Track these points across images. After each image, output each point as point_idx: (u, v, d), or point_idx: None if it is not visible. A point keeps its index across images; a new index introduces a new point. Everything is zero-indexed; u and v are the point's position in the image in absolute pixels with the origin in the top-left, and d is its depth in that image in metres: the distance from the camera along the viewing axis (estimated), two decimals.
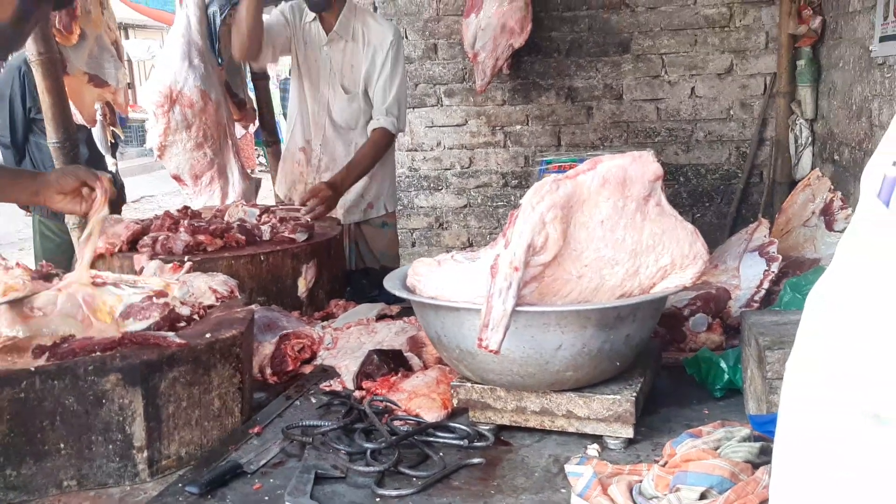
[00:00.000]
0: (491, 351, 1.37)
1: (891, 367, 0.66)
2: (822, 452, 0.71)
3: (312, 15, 3.06)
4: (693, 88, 4.26)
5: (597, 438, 1.54)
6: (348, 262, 3.20)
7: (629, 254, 1.48)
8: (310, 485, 1.36)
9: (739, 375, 1.70)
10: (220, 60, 3.56)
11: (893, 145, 0.72)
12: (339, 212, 3.16)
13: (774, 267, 2.14)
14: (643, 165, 1.49)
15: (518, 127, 4.54)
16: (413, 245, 4.84)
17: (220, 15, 3.59)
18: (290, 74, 3.16)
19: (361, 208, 3.23)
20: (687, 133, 4.32)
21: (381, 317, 2.31)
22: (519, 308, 1.40)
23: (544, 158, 2.84)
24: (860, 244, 0.72)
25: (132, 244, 2.34)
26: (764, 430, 1.30)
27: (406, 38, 4.56)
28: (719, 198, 4.37)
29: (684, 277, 1.52)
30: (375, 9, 4.56)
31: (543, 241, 1.41)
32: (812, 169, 3.61)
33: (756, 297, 2.08)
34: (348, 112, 3.10)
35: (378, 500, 1.35)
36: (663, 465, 1.27)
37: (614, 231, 1.47)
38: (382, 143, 3.04)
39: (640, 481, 1.29)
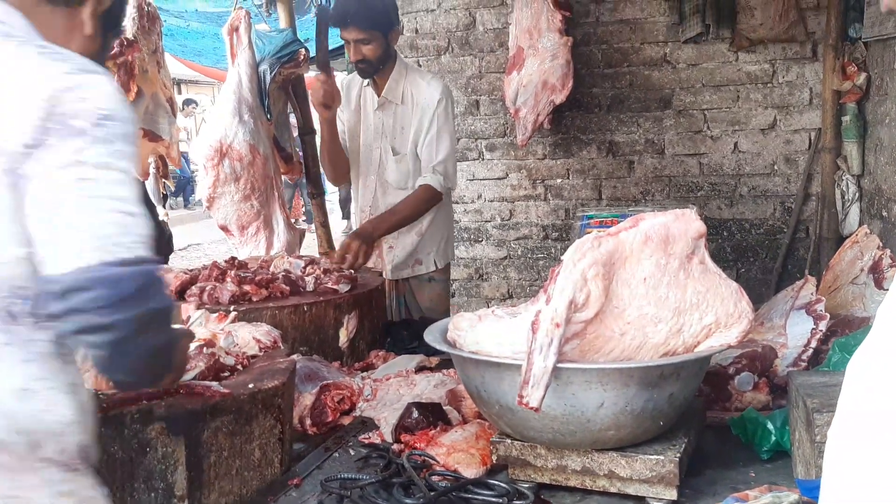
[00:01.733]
0: (531, 408, 1.37)
1: None
2: None
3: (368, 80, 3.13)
4: (736, 143, 4.25)
5: (640, 500, 1.50)
6: (394, 315, 3.20)
7: (672, 312, 1.47)
8: None
9: (787, 437, 1.65)
10: (268, 116, 3.67)
11: None
12: (387, 268, 3.18)
13: (822, 325, 2.09)
14: (686, 223, 1.49)
15: (559, 181, 4.56)
16: (453, 296, 4.85)
17: (270, 73, 3.71)
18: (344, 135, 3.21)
19: (409, 264, 3.22)
20: (730, 188, 4.29)
21: (420, 368, 2.31)
22: (560, 365, 1.40)
23: (585, 213, 2.84)
24: None
25: (180, 293, 2.39)
26: (812, 495, 1.26)
27: (451, 97, 4.66)
28: (764, 253, 4.31)
29: (729, 336, 1.50)
30: (420, 66, 4.68)
31: (585, 298, 1.41)
32: (860, 225, 3.54)
33: (803, 357, 2.03)
34: (397, 173, 3.13)
35: None
36: None
37: (657, 289, 1.46)
38: (424, 198, 3.05)
39: None
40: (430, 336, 1.66)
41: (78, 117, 1.00)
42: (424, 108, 3.05)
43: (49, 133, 0.99)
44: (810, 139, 4.15)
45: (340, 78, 3.29)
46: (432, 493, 1.50)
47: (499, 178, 4.67)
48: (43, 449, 1.04)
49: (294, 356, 2.17)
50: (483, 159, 4.68)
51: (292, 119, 4.28)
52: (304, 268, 2.64)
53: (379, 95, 3.09)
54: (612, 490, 1.52)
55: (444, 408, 1.95)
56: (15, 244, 1.00)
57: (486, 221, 4.75)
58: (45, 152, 0.99)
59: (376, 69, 3.03)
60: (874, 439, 0.69)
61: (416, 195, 3.05)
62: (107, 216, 1.01)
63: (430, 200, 3.07)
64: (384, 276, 3.18)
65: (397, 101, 3.08)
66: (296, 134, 4.24)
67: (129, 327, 1.01)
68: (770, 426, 1.68)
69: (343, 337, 2.47)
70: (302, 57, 3.76)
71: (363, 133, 3.16)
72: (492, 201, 4.71)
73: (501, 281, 4.77)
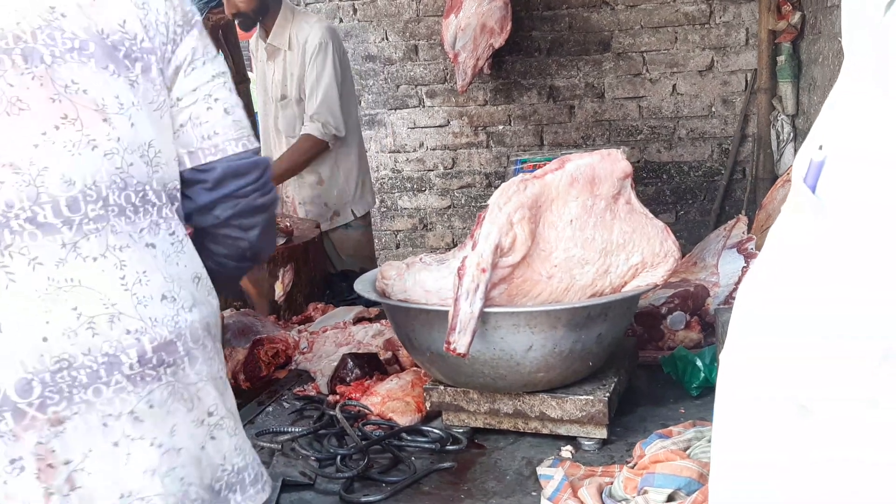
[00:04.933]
0: (459, 354, 1.36)
1: (811, 357, 0.65)
2: (755, 442, 0.70)
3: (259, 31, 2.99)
4: (674, 86, 4.25)
5: (571, 440, 1.52)
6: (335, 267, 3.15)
7: (599, 253, 1.46)
8: (276, 492, 1.34)
9: (715, 374, 1.69)
10: None
11: (820, 130, 0.71)
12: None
13: (756, 258, 2.13)
14: (612, 163, 1.47)
15: (500, 127, 4.52)
16: (397, 247, 4.82)
17: (202, 14, 3.56)
18: None
19: (327, 217, 3.14)
20: (669, 131, 4.32)
21: (358, 320, 2.29)
22: (487, 309, 1.39)
23: (519, 158, 2.81)
24: (786, 230, 0.71)
25: None
26: None
27: (387, 39, 4.54)
28: (703, 195, 4.36)
29: (656, 275, 1.50)
30: (355, 11, 4.54)
31: (511, 242, 1.39)
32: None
33: (734, 295, 2.06)
34: (283, 120, 3.03)
35: None
36: (632, 467, 1.25)
37: (584, 230, 1.45)
38: (303, 148, 2.93)
39: (612, 483, 1.27)
40: (360, 286, 1.64)
41: (195, 21, 1.10)
42: (306, 50, 2.92)
43: (182, 34, 1.08)
44: (746, 80, 4.18)
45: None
46: (364, 442, 1.49)
47: (440, 126, 4.61)
48: (212, 331, 1.09)
49: (226, 311, 2.12)
50: (424, 106, 4.60)
51: None
52: None
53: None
54: (545, 431, 1.53)
55: (383, 357, 1.94)
56: (172, 142, 1.07)
57: (428, 170, 4.69)
58: (182, 51, 1.08)
59: (255, 20, 2.91)
60: (760, 358, 0.70)
61: (295, 146, 2.95)
62: (237, 110, 1.13)
63: (310, 150, 2.95)
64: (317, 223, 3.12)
65: (284, 46, 2.96)
66: None
67: (274, 207, 1.19)
68: (699, 363, 1.71)
69: (279, 290, 2.42)
70: None
71: (259, 85, 3.06)
72: (434, 149, 4.65)
73: (446, 230, 4.75)
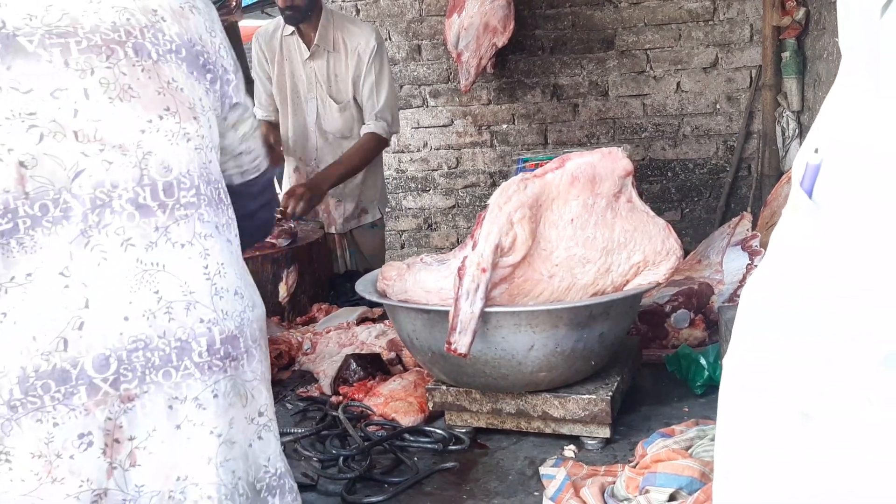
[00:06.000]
0: (460, 354, 1.36)
1: (812, 361, 0.64)
2: (758, 447, 0.69)
3: (290, 28, 3.03)
4: (679, 83, 4.24)
5: (574, 439, 1.52)
6: (342, 267, 3.17)
7: (600, 252, 1.46)
8: None
9: (719, 372, 1.67)
10: None
11: (817, 133, 0.70)
12: (337, 221, 3.15)
13: (757, 260, 2.12)
14: (613, 162, 1.47)
15: (504, 126, 4.51)
16: (402, 247, 4.82)
17: None
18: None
19: (356, 215, 3.21)
20: (674, 128, 4.30)
21: (362, 320, 2.29)
22: (488, 309, 1.38)
23: (521, 157, 2.80)
24: (786, 233, 0.70)
25: None
26: None
27: (389, 39, 4.53)
28: (708, 192, 4.35)
29: (658, 274, 1.50)
30: (358, 11, 4.54)
31: (512, 242, 1.39)
32: None
33: (739, 292, 2.05)
34: (340, 122, 3.08)
35: None
36: (634, 467, 1.25)
37: (585, 229, 1.45)
38: (370, 147, 3.02)
39: (614, 483, 1.27)
40: (362, 286, 1.63)
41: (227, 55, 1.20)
42: (360, 53, 2.99)
43: (235, 74, 1.20)
44: (751, 77, 4.16)
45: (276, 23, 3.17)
46: (366, 443, 1.49)
47: (444, 126, 4.61)
48: (264, 333, 1.14)
49: None
50: (427, 106, 4.60)
51: None
52: None
53: (309, 45, 3.01)
54: (547, 431, 1.53)
55: (386, 358, 1.94)
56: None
57: (433, 170, 4.69)
58: (242, 95, 1.21)
59: (305, 16, 2.95)
60: (763, 366, 0.69)
61: (362, 144, 3.01)
62: (260, 133, 1.29)
63: (375, 148, 3.05)
64: (333, 230, 3.14)
65: (329, 48, 3.01)
66: None
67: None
68: (703, 361, 1.71)
69: (283, 291, 2.42)
70: (234, 3, 3.60)
71: (294, 85, 3.08)
72: (438, 149, 4.65)
73: (451, 230, 4.75)
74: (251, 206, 1.27)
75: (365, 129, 3.01)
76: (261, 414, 1.08)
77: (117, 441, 0.95)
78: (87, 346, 0.93)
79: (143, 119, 1.00)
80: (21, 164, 0.92)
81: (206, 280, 1.02)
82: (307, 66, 3.04)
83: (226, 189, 1.12)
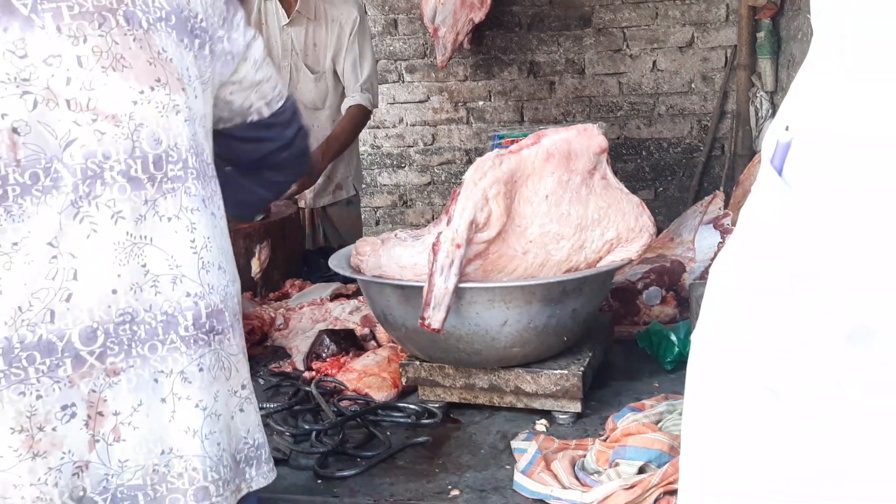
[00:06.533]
0: (433, 329, 1.36)
1: (779, 338, 0.65)
2: (726, 423, 0.70)
3: None
4: (654, 62, 4.24)
5: (546, 414, 1.53)
6: (313, 243, 3.15)
7: (575, 228, 1.46)
8: None
9: (689, 348, 1.70)
10: None
11: (788, 111, 0.70)
12: (307, 195, 3.11)
13: (728, 239, 2.14)
14: (588, 138, 1.47)
15: (481, 103, 4.49)
16: (377, 224, 4.80)
17: None
18: None
19: (330, 191, 3.17)
20: (649, 107, 4.31)
21: (336, 296, 2.28)
22: (462, 284, 1.38)
23: (497, 133, 2.80)
24: (754, 212, 0.71)
25: None
26: None
27: (366, 12, 4.48)
28: (682, 171, 4.38)
29: (631, 250, 1.51)
30: None
31: (486, 218, 1.38)
32: None
33: (710, 270, 2.08)
34: (315, 92, 3.03)
35: (320, 481, 1.33)
36: (605, 440, 1.26)
37: (559, 205, 1.45)
38: (358, 120, 3.00)
39: (585, 456, 1.28)
40: (335, 262, 1.63)
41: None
42: (342, 24, 2.94)
43: (232, 19, 1.18)
44: (726, 56, 4.18)
45: None
46: (339, 418, 1.49)
47: (420, 102, 4.57)
48: (240, 308, 1.13)
49: None
50: (403, 82, 4.56)
51: None
52: None
53: (289, 11, 2.95)
54: (520, 406, 1.54)
55: (359, 334, 1.94)
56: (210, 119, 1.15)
57: (408, 146, 4.67)
58: (246, 38, 1.21)
59: None
60: (731, 342, 0.70)
61: (350, 116, 2.97)
62: (270, 62, 1.29)
63: (363, 121, 3.03)
64: (304, 204, 3.10)
65: (311, 16, 2.95)
66: None
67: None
68: (673, 337, 1.73)
69: (255, 267, 2.40)
70: None
71: (268, 50, 3.03)
72: (413, 125, 4.62)
73: (426, 207, 4.74)
74: (288, 133, 1.30)
75: (350, 102, 2.96)
76: (243, 387, 1.09)
77: (101, 414, 0.95)
78: (75, 318, 0.93)
79: (135, 90, 0.99)
80: (14, 130, 0.91)
81: (194, 254, 1.02)
82: (284, 32, 2.99)
83: (211, 160, 1.11)
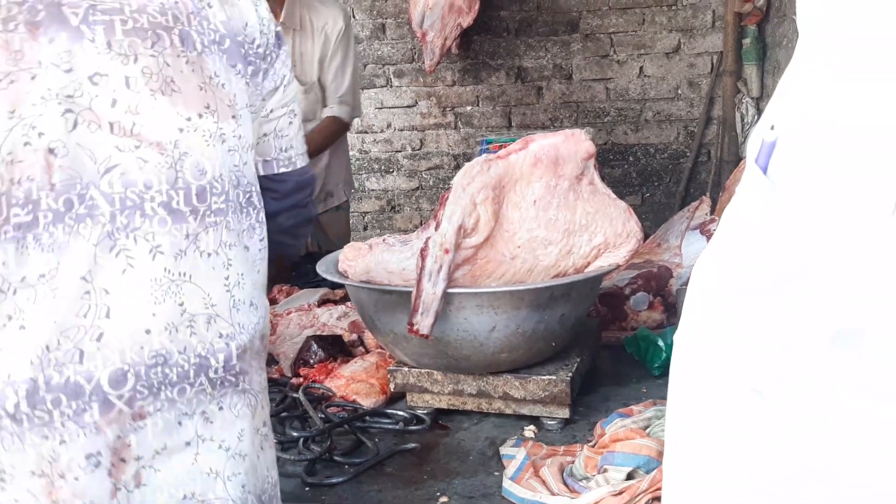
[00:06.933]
0: (422, 335, 1.35)
1: (763, 339, 0.65)
2: (709, 423, 0.70)
3: None
4: (641, 68, 4.26)
5: (534, 420, 1.53)
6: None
7: (562, 233, 1.46)
8: None
9: None
10: None
11: (773, 111, 0.71)
12: None
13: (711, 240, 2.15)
14: (576, 144, 1.47)
15: (469, 108, 4.50)
16: (365, 229, 4.79)
17: None
18: None
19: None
20: (636, 113, 4.33)
21: (323, 302, 2.27)
22: (451, 290, 1.38)
23: (485, 138, 2.80)
24: (739, 212, 0.71)
25: None
26: None
27: (353, 17, 4.47)
28: (668, 177, 4.40)
29: (618, 256, 1.51)
30: None
31: (475, 223, 1.38)
32: None
33: None
34: (305, 104, 2.97)
35: (307, 489, 1.32)
36: (593, 446, 1.26)
37: (547, 211, 1.45)
38: (331, 131, 2.96)
39: (574, 462, 1.28)
40: (323, 267, 1.62)
41: (282, 35, 1.13)
42: (328, 33, 2.91)
43: (277, 49, 1.11)
44: (713, 62, 4.20)
45: None
46: (326, 425, 1.48)
47: (408, 106, 4.57)
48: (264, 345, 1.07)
49: None
50: (391, 86, 4.56)
51: None
52: None
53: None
54: (508, 412, 1.54)
55: (347, 340, 1.93)
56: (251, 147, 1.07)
57: (396, 151, 4.66)
58: (280, 68, 1.11)
59: None
60: (714, 342, 0.70)
61: (324, 127, 2.94)
62: (298, 125, 1.16)
63: (337, 132, 2.99)
64: None
65: (296, 26, 2.92)
66: None
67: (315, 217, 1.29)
68: (661, 343, 1.73)
69: None
70: None
71: None
72: (401, 130, 4.62)
73: (414, 212, 4.73)
74: (272, 207, 1.13)
75: (327, 112, 2.94)
76: (265, 424, 1.04)
77: (123, 460, 0.89)
78: (105, 360, 0.87)
79: (182, 117, 0.93)
80: (50, 151, 0.84)
81: (227, 292, 0.96)
82: None
83: (258, 192, 1.04)
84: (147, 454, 0.91)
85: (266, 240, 1.05)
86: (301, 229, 1.25)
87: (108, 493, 0.88)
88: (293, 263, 2.71)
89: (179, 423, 0.93)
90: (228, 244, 0.97)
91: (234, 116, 0.98)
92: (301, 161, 1.17)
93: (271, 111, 1.11)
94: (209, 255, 0.94)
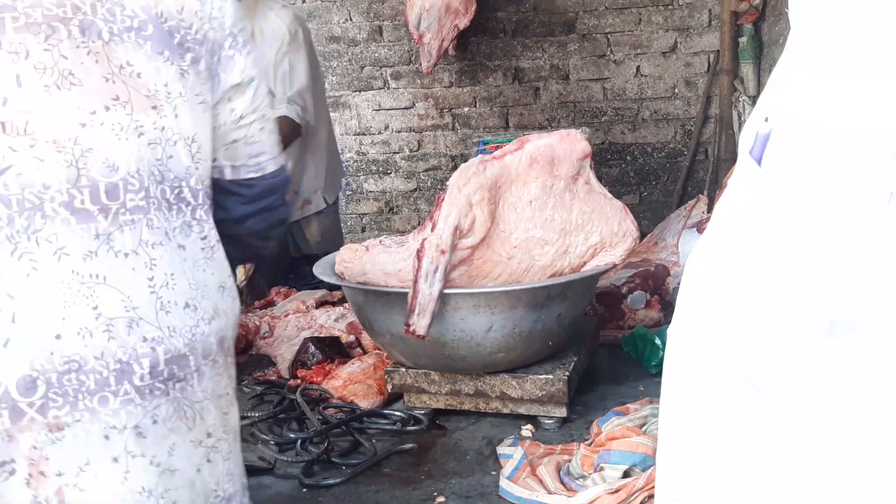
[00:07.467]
0: (418, 336, 1.36)
1: (757, 331, 0.65)
2: (703, 417, 0.70)
3: None
4: (638, 67, 4.27)
5: (531, 419, 1.53)
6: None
7: (559, 233, 1.46)
8: None
9: None
10: None
11: (767, 103, 0.71)
12: None
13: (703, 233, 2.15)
14: (571, 144, 1.47)
15: (466, 109, 4.50)
16: (363, 230, 4.79)
17: None
18: None
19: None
20: (633, 112, 4.33)
21: (321, 303, 2.27)
22: (447, 290, 1.39)
23: (482, 139, 2.80)
24: (732, 204, 0.71)
25: None
26: None
27: (350, 19, 4.48)
28: (666, 176, 4.40)
29: (614, 255, 1.51)
30: None
31: (471, 224, 1.39)
32: None
33: None
34: None
35: (305, 490, 1.32)
36: (590, 445, 1.26)
37: (543, 211, 1.45)
38: (283, 130, 2.66)
39: (570, 461, 1.28)
40: (320, 269, 1.62)
41: (248, 35, 1.08)
42: (271, 41, 2.81)
43: (238, 46, 1.06)
44: (709, 61, 4.21)
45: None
46: (324, 426, 1.48)
47: (405, 108, 4.58)
48: (226, 344, 1.01)
49: None
50: (388, 88, 4.56)
51: None
52: None
53: None
54: (505, 411, 1.54)
55: (345, 341, 1.93)
56: (211, 139, 1.03)
57: (394, 153, 4.67)
58: (243, 68, 1.06)
59: None
60: (708, 333, 0.70)
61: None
62: (275, 127, 1.14)
63: (289, 133, 2.81)
64: None
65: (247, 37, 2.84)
66: None
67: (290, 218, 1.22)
68: (658, 341, 1.73)
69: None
70: None
71: None
72: (399, 132, 4.62)
73: (412, 213, 4.73)
74: (240, 210, 1.11)
75: (276, 113, 2.65)
76: (209, 435, 0.97)
77: (42, 474, 0.84)
78: (12, 367, 0.83)
79: (84, 111, 0.88)
80: None
81: (151, 293, 0.90)
82: None
83: (199, 187, 0.98)
84: (69, 470, 0.86)
85: (217, 238, 1.01)
86: (271, 232, 1.22)
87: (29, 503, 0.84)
88: (291, 265, 2.71)
89: (106, 437, 0.87)
90: (151, 243, 0.91)
91: (154, 107, 0.93)
92: (272, 165, 1.13)
93: (241, 117, 1.07)
94: (126, 255, 0.89)
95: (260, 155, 1.11)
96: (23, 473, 0.84)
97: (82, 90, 0.88)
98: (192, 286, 0.95)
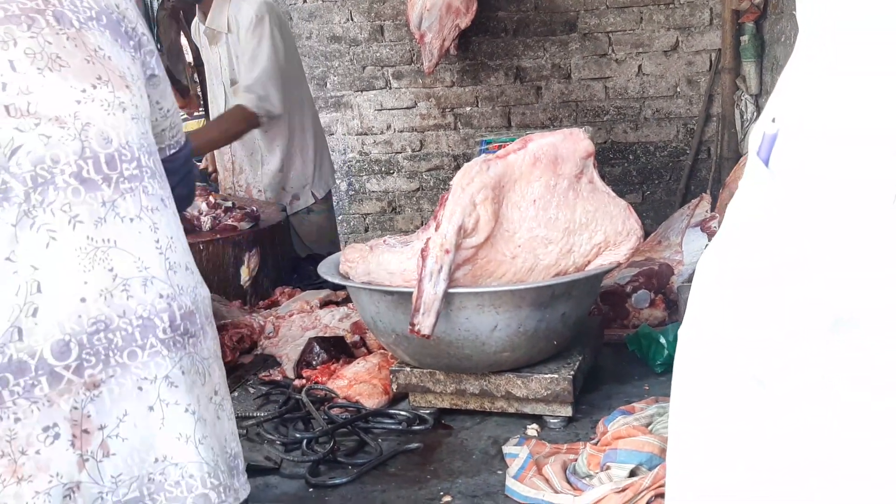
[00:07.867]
0: (423, 335, 1.36)
1: (765, 329, 0.65)
2: (712, 415, 0.70)
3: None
4: (640, 66, 4.27)
5: (537, 418, 1.53)
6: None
7: (563, 232, 1.47)
8: None
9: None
10: (159, 46, 3.46)
11: (774, 104, 0.71)
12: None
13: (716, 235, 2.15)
14: (574, 143, 1.47)
15: (468, 108, 4.50)
16: (366, 230, 4.79)
17: (158, 0, 3.48)
18: None
19: (286, 202, 2.99)
20: (635, 111, 4.33)
21: (326, 303, 2.27)
22: (452, 290, 1.39)
23: (484, 139, 2.79)
24: (741, 205, 0.71)
25: None
26: None
27: (352, 19, 4.48)
28: (668, 175, 4.40)
29: (618, 254, 1.51)
30: None
31: (475, 223, 1.39)
32: None
33: None
34: None
35: (311, 490, 1.32)
36: (596, 444, 1.26)
37: (547, 210, 1.45)
38: (235, 118, 2.74)
39: (576, 460, 1.28)
40: (324, 269, 1.62)
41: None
42: (238, 29, 2.77)
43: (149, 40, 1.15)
44: (711, 60, 4.20)
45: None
46: (330, 426, 1.48)
47: (407, 108, 4.58)
48: (211, 311, 1.09)
49: None
50: (390, 88, 4.57)
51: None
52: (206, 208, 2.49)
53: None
54: (511, 410, 1.54)
55: (350, 341, 1.93)
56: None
57: (396, 153, 4.67)
58: (155, 61, 1.15)
59: (193, 2, 2.79)
60: (718, 332, 0.70)
61: (226, 114, 2.78)
62: (177, 108, 1.24)
63: (241, 121, 2.74)
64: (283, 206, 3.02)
65: (224, 29, 2.81)
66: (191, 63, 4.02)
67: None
68: (662, 340, 1.73)
69: (245, 275, 2.40)
70: None
71: (208, 71, 2.94)
72: (401, 132, 4.62)
73: (415, 213, 4.73)
74: (170, 181, 1.17)
75: (234, 101, 2.77)
76: (216, 392, 1.04)
77: (86, 432, 0.90)
78: (45, 333, 0.88)
79: (76, 89, 0.95)
80: None
81: (160, 254, 0.98)
82: (213, 51, 2.89)
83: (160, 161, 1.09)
84: (110, 423, 0.92)
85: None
86: (191, 196, 1.35)
87: (75, 464, 0.89)
88: (294, 265, 2.71)
89: (140, 388, 0.94)
90: (151, 208, 0.99)
91: (127, 86, 1.01)
92: (183, 137, 1.26)
93: (169, 110, 1.19)
94: (131, 219, 0.97)
95: (178, 134, 1.24)
96: (66, 436, 0.89)
97: (71, 71, 0.95)
98: (186, 251, 1.04)
